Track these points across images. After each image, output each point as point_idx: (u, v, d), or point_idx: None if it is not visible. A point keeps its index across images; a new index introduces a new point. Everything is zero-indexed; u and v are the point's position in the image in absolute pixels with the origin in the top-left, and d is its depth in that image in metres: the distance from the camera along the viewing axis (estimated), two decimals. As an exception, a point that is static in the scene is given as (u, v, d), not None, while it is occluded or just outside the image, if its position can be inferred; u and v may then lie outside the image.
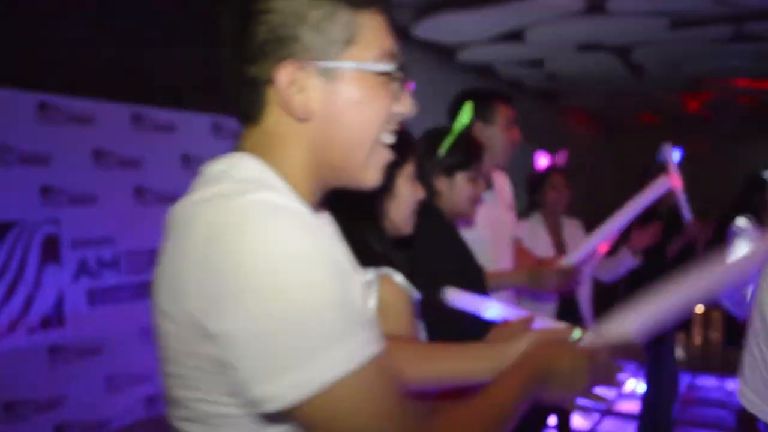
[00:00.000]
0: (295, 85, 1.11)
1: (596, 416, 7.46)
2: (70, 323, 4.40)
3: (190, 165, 5.25)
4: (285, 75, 1.11)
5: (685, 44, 7.45)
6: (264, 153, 1.17)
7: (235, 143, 1.28)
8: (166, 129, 5.07)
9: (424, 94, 8.51)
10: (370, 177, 1.26)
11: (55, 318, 4.32)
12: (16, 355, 4.11)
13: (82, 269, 4.48)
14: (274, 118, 1.19)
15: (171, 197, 4.96)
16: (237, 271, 1.01)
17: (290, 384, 0.97)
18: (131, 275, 4.81)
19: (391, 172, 1.60)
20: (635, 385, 8.18)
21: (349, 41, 1.13)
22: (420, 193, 1.67)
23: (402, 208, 1.60)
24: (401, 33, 9.11)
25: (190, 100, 5.81)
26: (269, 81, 1.14)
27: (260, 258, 1.01)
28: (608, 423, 7.36)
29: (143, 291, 4.88)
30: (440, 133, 3.06)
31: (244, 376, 0.99)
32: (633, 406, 7.44)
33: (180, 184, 4.89)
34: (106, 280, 4.64)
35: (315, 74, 1.13)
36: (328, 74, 1.13)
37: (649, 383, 6.30)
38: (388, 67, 1.14)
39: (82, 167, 4.49)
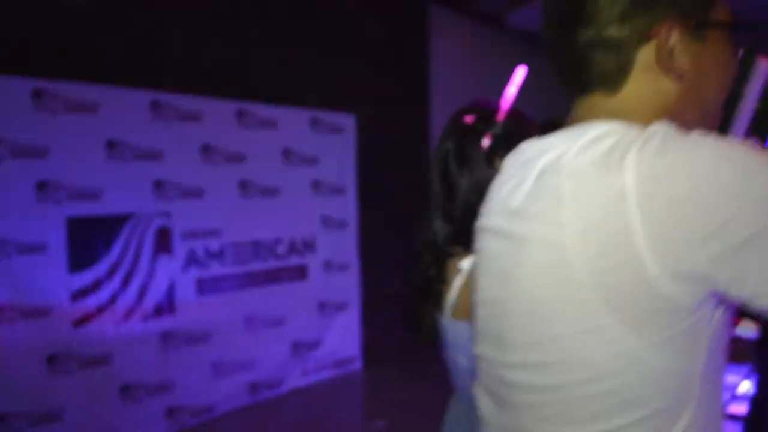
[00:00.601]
0: (674, 45, 1.02)
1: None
2: (180, 311, 4.60)
3: (291, 159, 5.37)
4: (665, 34, 1.02)
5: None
6: (626, 118, 1.02)
7: (574, 116, 1.12)
8: (268, 124, 5.20)
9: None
10: None
11: (166, 306, 4.53)
12: (131, 341, 4.34)
13: (191, 260, 4.68)
14: (639, 81, 1.05)
15: (272, 191, 5.11)
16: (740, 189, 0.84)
17: None
18: (236, 266, 4.97)
19: None
20: (748, 388, 7.74)
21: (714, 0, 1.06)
22: None
23: None
24: (495, 22, 8.99)
25: (290, 95, 5.95)
26: (640, 42, 1.04)
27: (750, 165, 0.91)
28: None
29: (247, 281, 5.05)
30: (557, 123, 2.97)
31: (753, 289, 0.83)
32: (744, 409, 7.06)
33: (281, 177, 5.03)
34: (213, 270, 4.82)
35: (688, 33, 1.04)
36: (698, 33, 1.04)
37: (759, 385, 5.96)
38: (741, 27, 1.08)
39: (191, 162, 4.68)
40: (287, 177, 5.34)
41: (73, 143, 4.04)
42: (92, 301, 4.14)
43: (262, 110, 5.18)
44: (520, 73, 1.70)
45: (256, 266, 5.12)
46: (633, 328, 0.86)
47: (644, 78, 1.06)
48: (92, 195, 4.13)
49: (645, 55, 1.04)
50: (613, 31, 1.02)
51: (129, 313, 4.33)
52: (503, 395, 1.03)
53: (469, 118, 1.61)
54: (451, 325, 1.56)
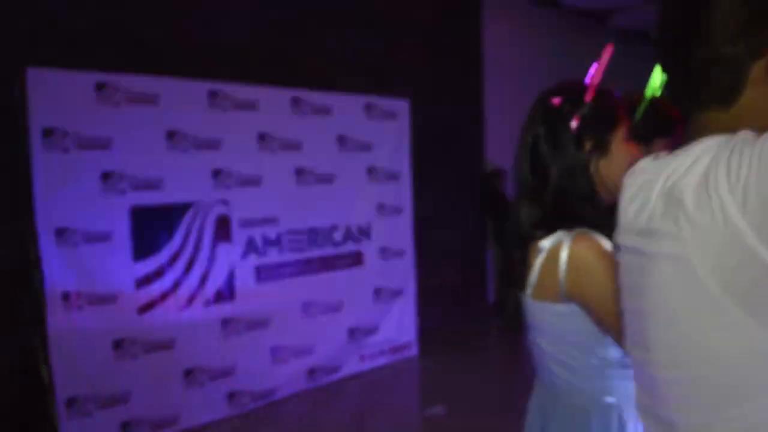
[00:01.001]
0: None
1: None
2: (240, 298, 4.69)
3: (346, 146, 5.39)
4: None
5: None
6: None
7: (690, 133, 1.19)
8: (322, 111, 5.22)
9: (574, 63, 8.12)
10: None
11: (227, 293, 4.62)
12: (193, 327, 4.44)
13: (250, 247, 4.75)
14: (751, 96, 1.12)
15: (328, 178, 5.14)
16: None
17: None
18: (293, 253, 5.03)
19: (604, 135, 1.54)
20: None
21: None
22: (637, 154, 1.56)
23: (618, 172, 1.52)
24: (549, 2, 8.81)
25: (345, 82, 5.96)
26: (754, 58, 1.09)
27: None
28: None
29: (304, 268, 5.11)
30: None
31: None
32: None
33: (336, 164, 5.04)
34: (271, 258, 4.88)
35: None
36: None
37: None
38: None
39: (248, 150, 4.74)
40: (342, 164, 5.36)
41: (135, 134, 4.14)
42: (155, 288, 4.25)
43: (316, 97, 5.20)
44: (607, 52, 1.67)
45: (313, 253, 5.16)
46: (761, 319, 0.93)
47: (756, 92, 1.12)
48: (154, 184, 4.22)
49: (757, 70, 1.08)
50: (729, 49, 1.07)
51: (191, 300, 4.43)
52: (653, 391, 1.13)
53: (556, 101, 1.58)
54: (532, 306, 1.55)
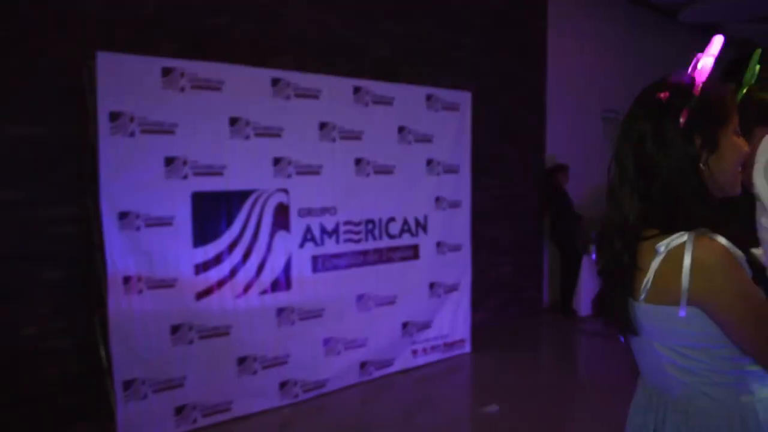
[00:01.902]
0: None
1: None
2: (296, 287, 4.66)
3: (406, 137, 5.30)
4: None
5: None
6: None
7: None
8: (384, 101, 5.14)
9: (641, 58, 7.88)
10: None
11: (283, 281, 4.60)
12: (249, 315, 4.43)
13: (308, 237, 4.72)
14: None
15: (387, 169, 5.07)
16: None
17: None
18: (350, 244, 4.98)
19: (714, 130, 1.44)
20: None
21: None
22: (745, 148, 1.48)
23: (728, 168, 1.44)
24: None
25: (406, 72, 5.87)
26: None
27: None
28: None
29: (360, 259, 5.05)
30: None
31: None
32: None
33: (396, 155, 4.98)
34: (328, 248, 4.84)
35: None
36: None
37: None
38: None
39: (309, 139, 4.70)
40: (402, 155, 5.27)
41: (199, 120, 4.13)
42: (213, 275, 4.25)
43: (378, 87, 5.12)
44: (716, 42, 1.56)
45: (369, 245, 5.11)
46: None
47: None
48: (215, 171, 4.22)
49: None
50: None
51: (247, 288, 4.42)
52: None
53: (663, 95, 1.48)
54: (646, 310, 1.47)
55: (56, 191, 4.12)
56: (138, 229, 3.92)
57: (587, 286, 7.34)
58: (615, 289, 1.55)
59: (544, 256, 7.75)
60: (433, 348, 5.67)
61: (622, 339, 1.68)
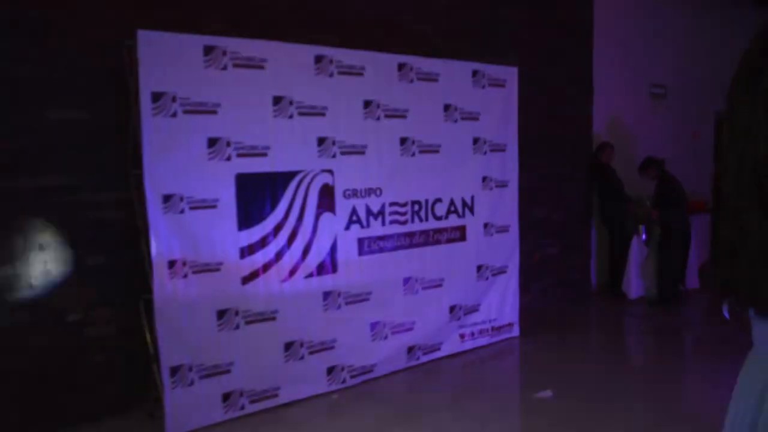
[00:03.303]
0: None
1: None
2: (342, 270, 4.54)
3: (452, 114, 5.13)
4: None
5: None
6: None
7: None
8: (429, 78, 4.97)
9: (687, 37, 7.54)
10: None
11: (329, 265, 4.48)
12: (295, 299, 4.33)
13: (353, 218, 4.59)
14: None
15: (433, 148, 4.91)
16: None
17: None
18: (396, 226, 4.84)
19: None
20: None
21: None
22: None
23: None
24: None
25: (451, 48, 5.68)
26: None
27: None
28: None
29: (406, 242, 4.91)
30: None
31: None
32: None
33: (441, 134, 4.79)
34: (374, 230, 4.71)
35: None
36: None
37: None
38: None
39: (354, 118, 4.55)
40: (447, 133, 5.10)
41: (242, 99, 4.01)
42: (259, 258, 4.15)
43: (423, 63, 4.95)
44: None
45: (415, 227, 4.96)
46: None
47: None
48: (259, 152, 4.10)
49: None
50: None
51: (293, 271, 4.31)
52: None
53: None
54: None
55: (99, 175, 4.05)
56: (182, 212, 3.83)
57: (636, 268, 7.11)
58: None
59: (591, 237, 7.52)
60: (481, 332, 5.52)
61: (727, 315, 1.46)
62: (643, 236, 7.22)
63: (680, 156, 8.14)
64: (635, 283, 7.09)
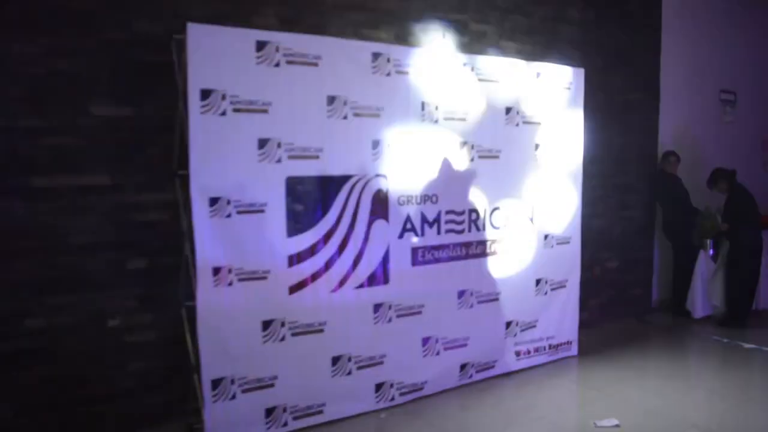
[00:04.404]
0: None
1: None
2: (394, 282, 4.28)
3: (513, 117, 4.82)
4: None
5: None
6: None
7: None
8: (490, 78, 4.67)
9: (758, 44, 7.05)
10: None
11: (381, 275, 4.23)
12: (344, 311, 4.09)
13: (407, 226, 4.33)
14: None
15: (493, 153, 4.61)
16: None
17: None
18: (451, 235, 4.55)
19: None
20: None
21: None
22: None
23: None
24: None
25: (508, 48, 5.40)
26: None
27: None
28: None
29: (461, 252, 4.62)
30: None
31: None
32: None
33: (502, 138, 4.46)
34: (428, 239, 4.44)
35: None
36: None
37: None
38: None
39: (409, 120, 4.29)
40: (509, 138, 4.80)
41: (294, 98, 3.79)
42: (308, 267, 3.92)
43: (485, 63, 4.65)
44: None
45: (472, 236, 4.67)
46: None
47: None
48: (311, 154, 3.87)
49: None
50: None
51: (343, 281, 4.07)
52: None
53: None
54: None
55: (142, 176, 3.85)
56: (229, 216, 3.61)
57: (703, 285, 6.67)
58: None
59: (654, 251, 7.10)
60: (537, 350, 5.20)
61: None
62: (711, 251, 6.79)
63: (749, 167, 7.66)
64: (701, 301, 6.66)
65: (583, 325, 5.59)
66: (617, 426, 4.09)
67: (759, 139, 8.35)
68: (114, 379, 3.83)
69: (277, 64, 3.71)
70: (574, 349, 5.44)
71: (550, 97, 5.05)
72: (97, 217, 3.74)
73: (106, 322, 3.80)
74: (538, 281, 5.12)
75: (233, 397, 3.71)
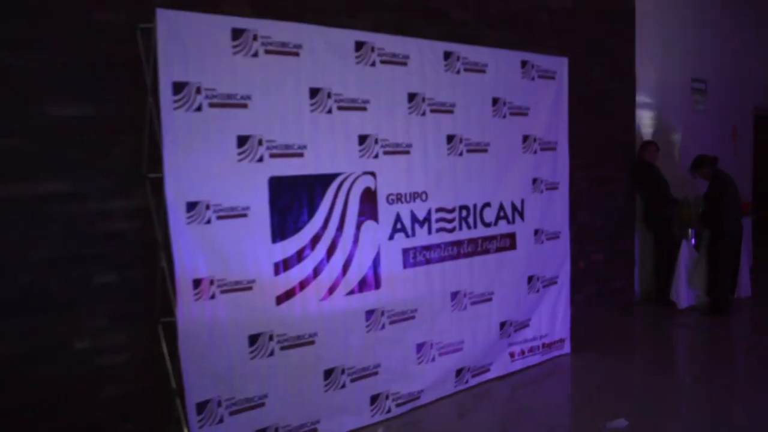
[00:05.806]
0: None
1: None
2: (385, 286, 4.00)
3: (500, 109, 4.59)
4: None
5: None
6: None
7: None
8: (476, 68, 4.43)
9: (730, 36, 6.97)
10: None
11: (372, 280, 3.94)
12: (335, 320, 3.78)
13: (397, 227, 4.05)
14: None
15: (481, 147, 4.37)
16: None
17: None
18: (442, 234, 4.29)
19: None
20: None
21: None
22: None
23: None
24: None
25: (492, 37, 5.17)
26: None
27: None
28: None
29: (454, 251, 4.37)
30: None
31: None
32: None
33: (490, 130, 4.18)
34: (419, 239, 4.17)
35: None
36: None
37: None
38: None
39: (397, 113, 4.02)
40: (497, 130, 4.57)
41: (274, 91, 3.47)
42: (295, 274, 3.60)
43: (471, 52, 4.41)
44: None
45: (463, 235, 4.42)
46: None
47: None
48: (295, 152, 3.56)
49: None
50: None
51: (333, 288, 3.76)
52: None
53: None
54: None
55: (107, 181, 3.47)
56: (209, 222, 3.27)
57: (686, 275, 6.56)
58: None
59: (635, 242, 6.98)
60: (531, 350, 4.99)
61: None
62: (692, 240, 6.69)
63: (721, 155, 7.61)
64: (685, 291, 6.55)
65: (575, 320, 5.39)
66: (626, 425, 3.90)
67: (728, 128, 8.34)
68: (85, 409, 3.44)
69: (255, 54, 3.39)
70: (566, 347, 5.25)
71: (535, 87, 4.84)
72: (58, 228, 3.34)
73: (73, 345, 3.40)
74: (530, 278, 4.90)
75: (221, 420, 3.37)
